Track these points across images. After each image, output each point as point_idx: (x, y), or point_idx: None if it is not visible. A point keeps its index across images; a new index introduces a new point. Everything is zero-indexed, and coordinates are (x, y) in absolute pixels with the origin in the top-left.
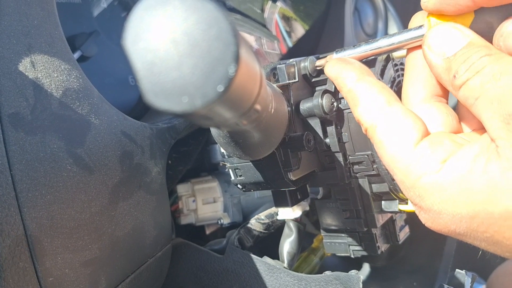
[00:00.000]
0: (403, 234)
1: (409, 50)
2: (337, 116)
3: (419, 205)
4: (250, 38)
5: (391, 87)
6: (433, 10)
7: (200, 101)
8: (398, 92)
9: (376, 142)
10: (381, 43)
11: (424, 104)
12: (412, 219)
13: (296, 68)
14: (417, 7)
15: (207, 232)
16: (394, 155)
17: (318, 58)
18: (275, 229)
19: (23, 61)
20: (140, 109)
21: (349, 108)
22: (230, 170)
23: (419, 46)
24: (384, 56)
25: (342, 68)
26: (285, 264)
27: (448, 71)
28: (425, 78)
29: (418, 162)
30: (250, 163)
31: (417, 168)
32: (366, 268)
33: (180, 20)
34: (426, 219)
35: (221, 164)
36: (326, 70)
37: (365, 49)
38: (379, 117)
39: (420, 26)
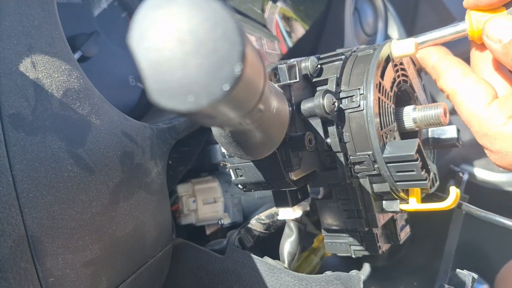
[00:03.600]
0: (404, 233)
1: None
2: (338, 116)
3: (489, 149)
4: (251, 38)
5: (391, 87)
6: (471, 5)
7: (206, 100)
8: (400, 93)
9: (457, 103)
10: (433, 36)
11: (493, 74)
12: (412, 218)
13: (297, 68)
14: (417, 7)
15: (208, 232)
16: (471, 113)
17: (318, 58)
18: (276, 229)
19: (23, 61)
20: (140, 109)
21: (350, 108)
22: (230, 170)
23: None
24: (385, 56)
25: (427, 50)
26: (286, 264)
27: (506, 55)
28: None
29: (489, 117)
30: (251, 163)
31: (489, 121)
32: (366, 268)
33: (185, 19)
34: (495, 159)
35: (221, 164)
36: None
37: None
38: (458, 84)
39: (460, 23)
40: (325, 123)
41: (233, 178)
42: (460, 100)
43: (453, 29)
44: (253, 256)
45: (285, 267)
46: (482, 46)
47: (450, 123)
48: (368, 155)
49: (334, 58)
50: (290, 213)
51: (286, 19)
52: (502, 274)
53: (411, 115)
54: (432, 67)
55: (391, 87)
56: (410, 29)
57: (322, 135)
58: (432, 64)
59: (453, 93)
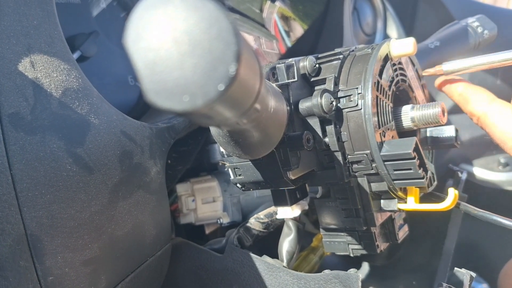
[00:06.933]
0: (402, 233)
1: None
2: (336, 115)
3: None
4: (249, 38)
5: (390, 86)
6: None
7: (201, 100)
8: (398, 92)
9: (489, 124)
10: (487, 59)
11: None
12: (411, 218)
13: (295, 67)
14: (416, 7)
15: (207, 231)
16: (505, 131)
17: (317, 58)
18: (275, 228)
19: (22, 61)
20: (139, 109)
21: (348, 107)
22: (229, 170)
23: None
24: (383, 56)
25: (450, 81)
26: (285, 263)
27: None
28: None
29: None
30: (250, 162)
31: None
32: (365, 267)
33: (181, 19)
34: None
35: (220, 164)
36: (436, 83)
37: (471, 62)
38: (488, 107)
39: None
40: (323, 122)
41: (232, 177)
42: (492, 121)
43: (504, 55)
44: (252, 255)
45: (284, 266)
46: None
47: (448, 123)
48: (366, 154)
49: (333, 58)
50: (288, 212)
51: (285, 18)
52: (504, 274)
53: (409, 114)
54: (460, 94)
55: (389, 86)
56: (409, 28)
57: (320, 134)
58: (459, 92)
59: (484, 115)
